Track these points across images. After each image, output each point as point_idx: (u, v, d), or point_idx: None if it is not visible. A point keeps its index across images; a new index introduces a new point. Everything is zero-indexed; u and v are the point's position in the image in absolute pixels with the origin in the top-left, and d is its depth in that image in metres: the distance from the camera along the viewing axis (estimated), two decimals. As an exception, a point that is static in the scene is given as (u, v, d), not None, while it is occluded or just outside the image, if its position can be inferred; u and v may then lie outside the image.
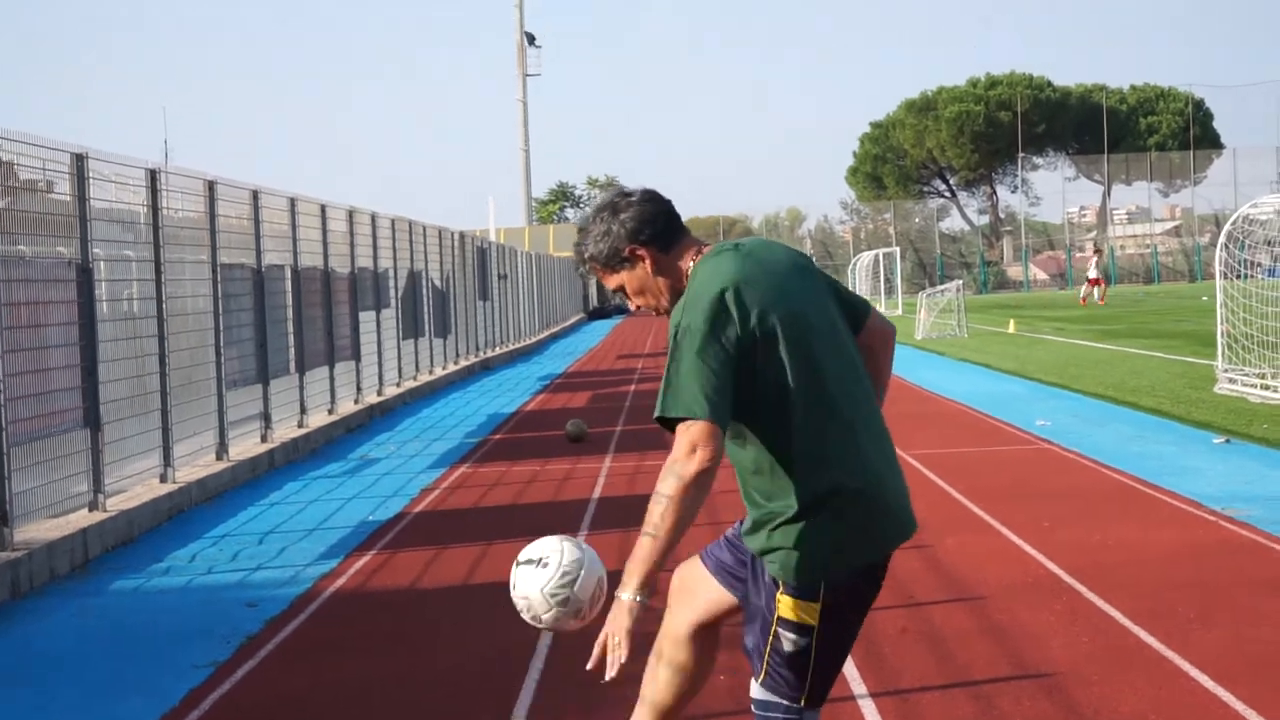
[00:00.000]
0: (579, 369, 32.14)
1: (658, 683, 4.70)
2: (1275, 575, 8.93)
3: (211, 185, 14.87)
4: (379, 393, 22.52)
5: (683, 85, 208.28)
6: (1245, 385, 18.44)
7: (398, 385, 24.12)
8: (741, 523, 4.50)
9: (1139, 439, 15.23)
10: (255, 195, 16.52)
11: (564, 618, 4.36)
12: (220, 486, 13.86)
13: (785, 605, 4.17)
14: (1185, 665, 6.97)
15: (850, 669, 6.86)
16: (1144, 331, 33.61)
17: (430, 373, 27.31)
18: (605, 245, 4.38)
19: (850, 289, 4.68)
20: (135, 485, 12.44)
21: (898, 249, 66.29)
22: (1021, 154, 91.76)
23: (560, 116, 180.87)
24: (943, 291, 42.01)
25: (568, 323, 58.69)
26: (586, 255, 4.45)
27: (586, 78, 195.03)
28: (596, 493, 12.98)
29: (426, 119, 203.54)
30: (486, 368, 32.93)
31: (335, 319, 19.87)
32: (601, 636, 4.09)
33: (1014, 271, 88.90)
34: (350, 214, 21.59)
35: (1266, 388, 17.90)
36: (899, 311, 52.38)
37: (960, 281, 44.51)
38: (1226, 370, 19.09)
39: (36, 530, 10.37)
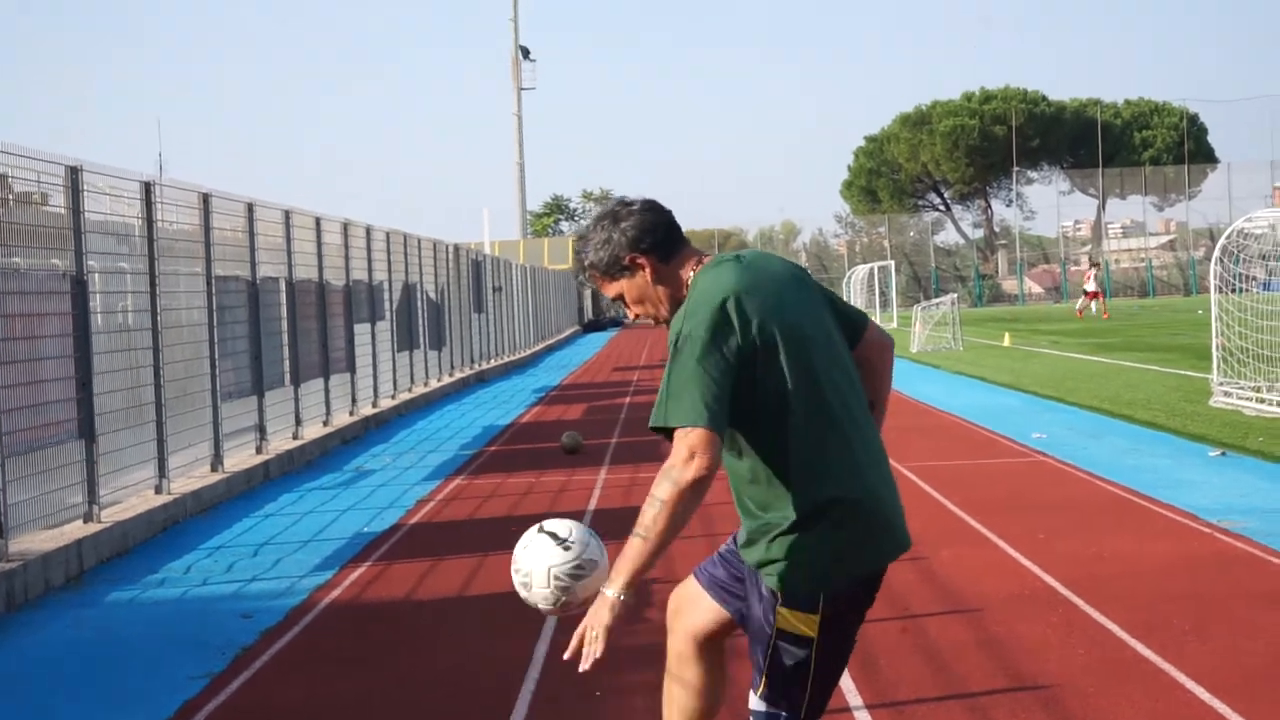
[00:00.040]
0: (574, 381, 32.13)
1: (674, 705, 4.73)
2: (1271, 587, 8.92)
3: (206, 198, 14.87)
4: (374, 405, 22.51)
5: (677, 99, 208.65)
6: (1240, 398, 18.45)
7: (393, 397, 24.11)
8: (736, 537, 4.50)
9: (1134, 452, 15.23)
10: (250, 208, 16.52)
11: (549, 602, 4.37)
12: (215, 498, 13.85)
13: (784, 618, 4.17)
14: (1181, 677, 6.97)
15: (847, 681, 6.85)
16: (1139, 345, 33.63)
17: (425, 385, 27.30)
18: (606, 253, 4.39)
19: (843, 300, 4.68)
20: (130, 496, 12.43)
21: (892, 262, 66.23)
22: (1016, 168, 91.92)
23: (555, 130, 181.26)
24: (938, 305, 42.00)
25: (563, 335, 58.68)
26: (587, 263, 4.46)
27: (581, 91, 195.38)
28: (592, 504, 12.98)
29: (421, 132, 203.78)
30: (481, 380, 32.91)
31: (330, 331, 19.86)
32: (581, 628, 4.11)
33: (1009, 285, 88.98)
34: (345, 226, 21.58)
35: (1262, 401, 17.91)
36: (894, 325, 52.34)
37: (955, 295, 44.47)
38: (1222, 383, 19.10)
39: (31, 541, 10.35)
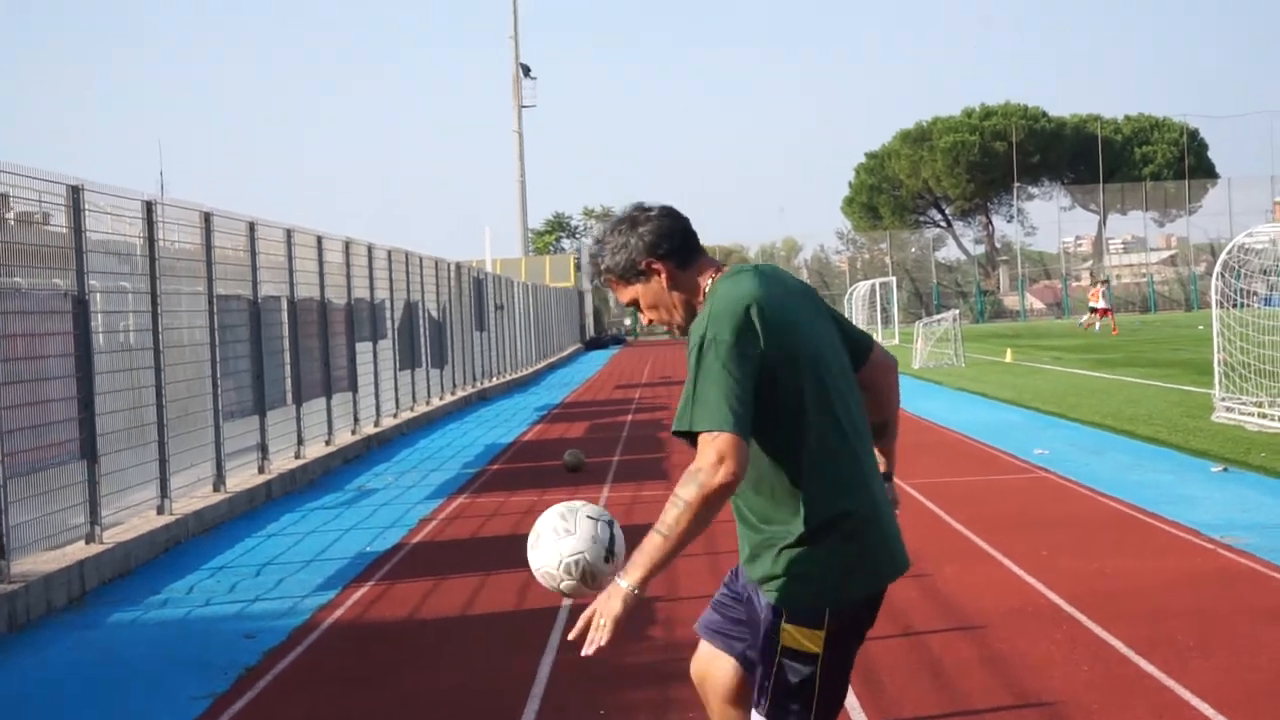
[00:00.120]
0: (576, 399, 32.12)
1: None
2: (1274, 603, 8.91)
3: (208, 217, 14.89)
4: (376, 424, 22.51)
5: (679, 115, 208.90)
6: (1243, 414, 18.44)
7: (395, 416, 24.10)
8: (731, 576, 4.50)
9: (1137, 468, 15.22)
10: (251, 227, 16.53)
11: (559, 581, 4.33)
12: (217, 518, 13.84)
13: (789, 634, 4.16)
14: (1185, 694, 6.96)
15: (850, 698, 6.84)
16: (1141, 360, 33.61)
17: (427, 403, 27.30)
18: (622, 257, 4.40)
19: (851, 321, 4.70)
20: (132, 517, 12.42)
21: (894, 279, 66.26)
22: (1017, 184, 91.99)
23: (556, 148, 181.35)
24: (939, 321, 41.99)
25: (565, 353, 58.68)
26: (603, 266, 4.46)
27: (583, 109, 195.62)
28: (594, 523, 12.94)
29: (422, 150, 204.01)
30: (484, 398, 32.91)
31: (332, 350, 19.87)
32: (589, 612, 4.07)
33: (1010, 301, 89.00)
34: (347, 245, 21.60)
35: (1264, 416, 17.90)
36: (895, 341, 52.34)
37: (957, 311, 44.48)
38: (1224, 399, 19.09)
39: (33, 563, 10.34)
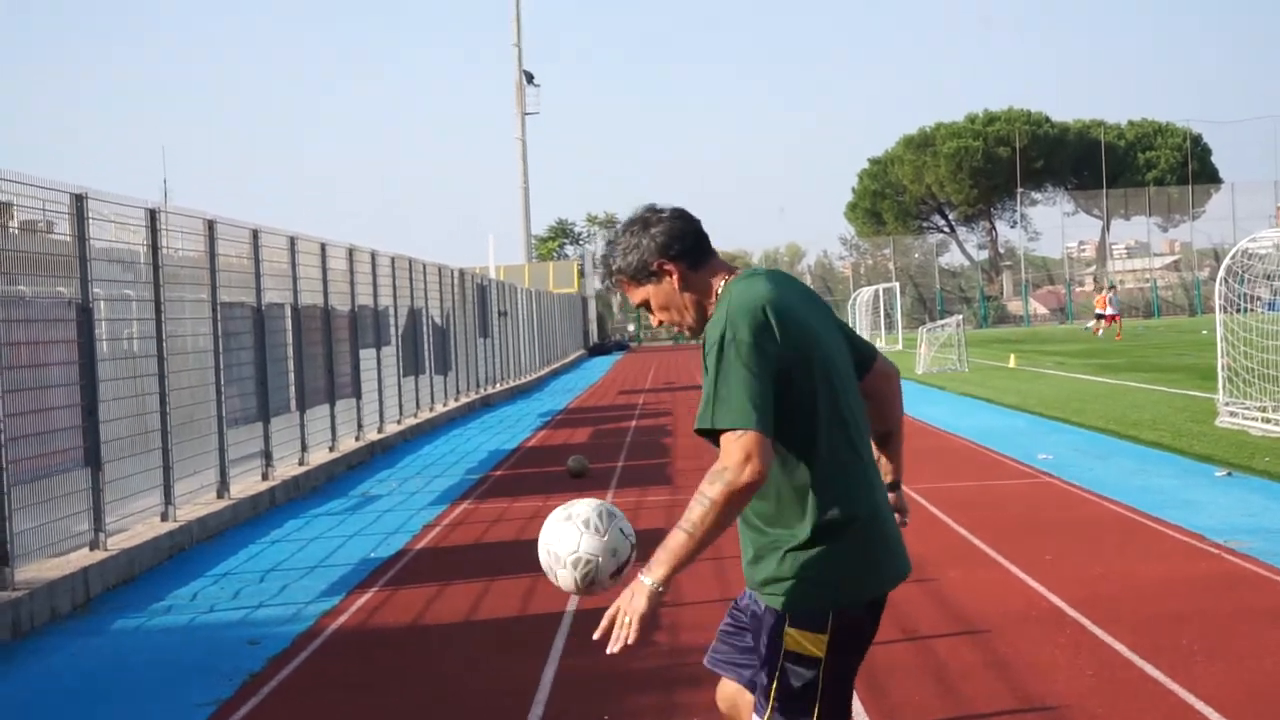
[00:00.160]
0: (580, 405, 32.13)
1: None
2: (1277, 607, 8.91)
3: (211, 224, 14.90)
4: (380, 430, 22.52)
5: (681, 121, 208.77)
6: (1246, 418, 18.43)
7: (399, 422, 24.11)
8: (735, 603, 4.49)
9: (1141, 472, 15.22)
10: (255, 234, 16.54)
11: (559, 566, 4.28)
12: (221, 524, 13.84)
13: (793, 638, 4.15)
14: (1190, 698, 6.95)
15: (855, 703, 6.82)
16: (1145, 365, 33.61)
17: (431, 410, 27.31)
18: (634, 258, 4.39)
19: (852, 329, 4.70)
20: (136, 524, 12.43)
21: (897, 284, 66.36)
22: (1020, 189, 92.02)
23: (560, 154, 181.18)
24: (943, 326, 42.02)
25: (568, 359, 58.70)
26: (614, 267, 4.45)
27: (586, 115, 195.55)
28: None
29: (426, 157, 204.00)
30: (487, 404, 32.92)
31: (336, 357, 19.88)
32: (613, 610, 4.04)
33: (1014, 306, 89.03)
34: (350, 252, 21.62)
35: (1268, 421, 17.89)
36: (899, 346, 52.39)
37: (960, 316, 44.52)
38: (1228, 403, 19.09)
39: (37, 570, 10.35)
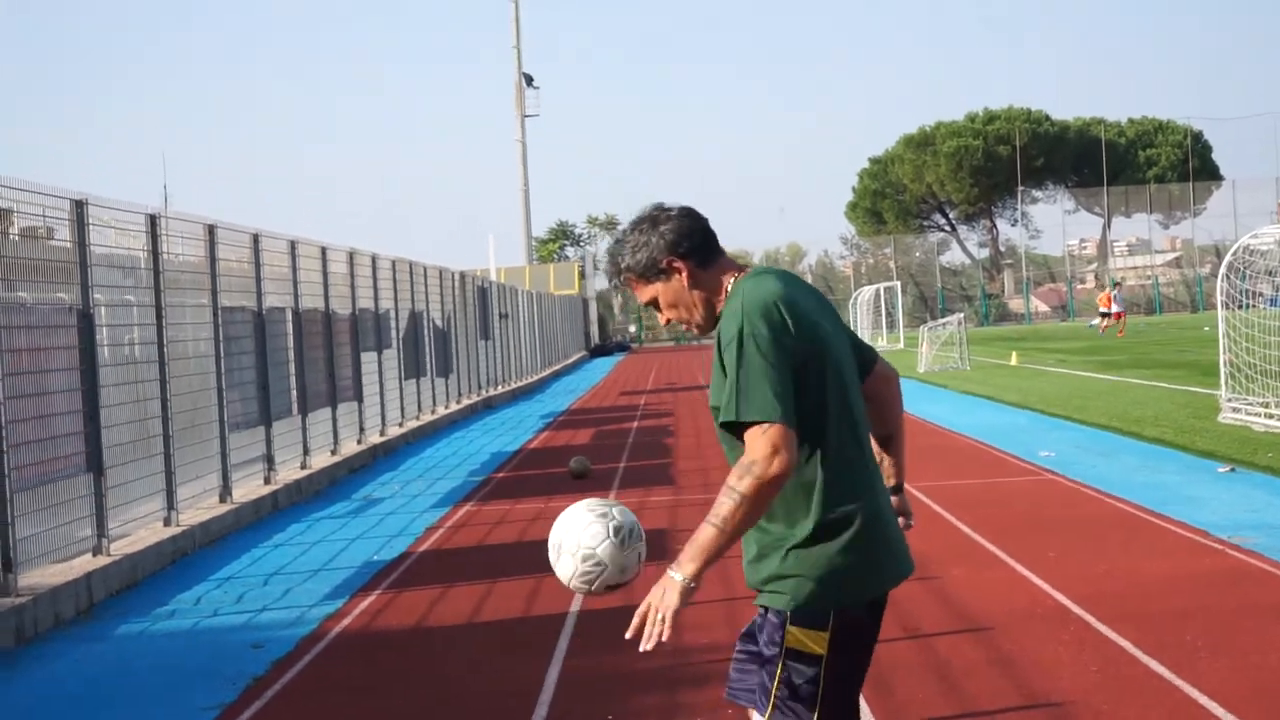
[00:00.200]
0: (581, 406, 32.13)
1: None
2: (1283, 602, 8.91)
3: (212, 229, 14.90)
4: (382, 433, 22.52)
5: (682, 122, 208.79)
6: (1249, 414, 18.42)
7: (400, 425, 24.12)
8: (744, 633, 4.47)
9: (1143, 469, 15.21)
10: (256, 239, 16.55)
11: (567, 553, 4.28)
12: (224, 529, 13.84)
13: (794, 636, 4.14)
14: (1194, 693, 6.95)
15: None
16: (1147, 362, 33.60)
17: (433, 412, 27.31)
18: (643, 255, 4.38)
19: (853, 331, 4.69)
20: (139, 529, 12.43)
21: (898, 283, 66.37)
22: (1021, 187, 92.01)
23: (559, 156, 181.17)
24: (944, 325, 41.99)
25: (569, 360, 58.70)
26: (623, 265, 4.43)
27: (585, 117, 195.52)
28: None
29: (426, 159, 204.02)
30: (489, 406, 32.92)
31: (337, 360, 19.88)
32: (644, 607, 4.01)
33: (1015, 304, 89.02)
34: (351, 256, 21.62)
35: (1270, 417, 17.89)
36: (900, 345, 52.40)
37: (962, 314, 44.50)
38: (1230, 400, 19.08)
39: (40, 575, 10.35)
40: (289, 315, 17.77)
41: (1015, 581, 9.84)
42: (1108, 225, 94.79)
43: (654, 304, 4.45)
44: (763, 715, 4.22)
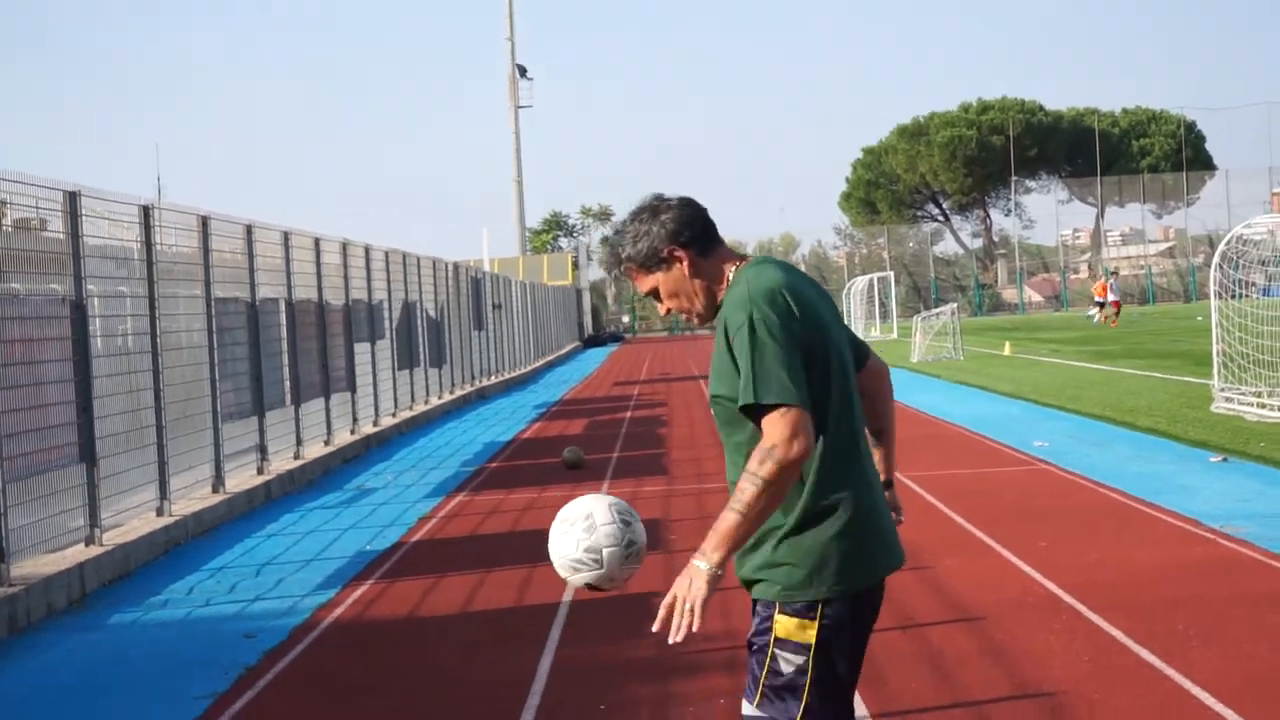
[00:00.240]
0: (575, 396, 32.13)
1: None
2: (1273, 591, 8.93)
3: (205, 220, 14.90)
4: (375, 423, 22.52)
5: (675, 113, 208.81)
6: (1242, 404, 18.45)
7: (393, 415, 24.12)
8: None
9: (1136, 458, 15.23)
10: (249, 230, 16.54)
11: (570, 544, 4.31)
12: (217, 519, 13.84)
13: (783, 624, 4.14)
14: (1186, 683, 6.97)
15: (850, 691, 6.84)
16: (1140, 352, 33.62)
17: (426, 403, 27.31)
18: (644, 245, 4.38)
19: (845, 319, 4.70)
20: (132, 519, 12.43)
21: (892, 273, 66.19)
22: (1014, 177, 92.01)
23: (553, 147, 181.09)
24: (938, 315, 41.96)
25: (563, 351, 58.69)
26: (624, 255, 4.43)
27: (579, 108, 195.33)
28: (594, 520, 12.93)
29: (419, 151, 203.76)
30: (482, 397, 32.92)
31: (330, 351, 19.87)
32: (669, 598, 4.00)
33: (1009, 294, 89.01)
34: (344, 246, 21.60)
35: (1263, 406, 17.91)
36: (894, 336, 52.39)
37: (955, 304, 44.42)
38: (1223, 389, 19.10)
39: (33, 565, 10.35)
40: (282, 306, 17.76)
41: (1007, 571, 9.85)
42: (1101, 215, 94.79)
43: (654, 294, 4.45)
44: (752, 703, 4.21)
